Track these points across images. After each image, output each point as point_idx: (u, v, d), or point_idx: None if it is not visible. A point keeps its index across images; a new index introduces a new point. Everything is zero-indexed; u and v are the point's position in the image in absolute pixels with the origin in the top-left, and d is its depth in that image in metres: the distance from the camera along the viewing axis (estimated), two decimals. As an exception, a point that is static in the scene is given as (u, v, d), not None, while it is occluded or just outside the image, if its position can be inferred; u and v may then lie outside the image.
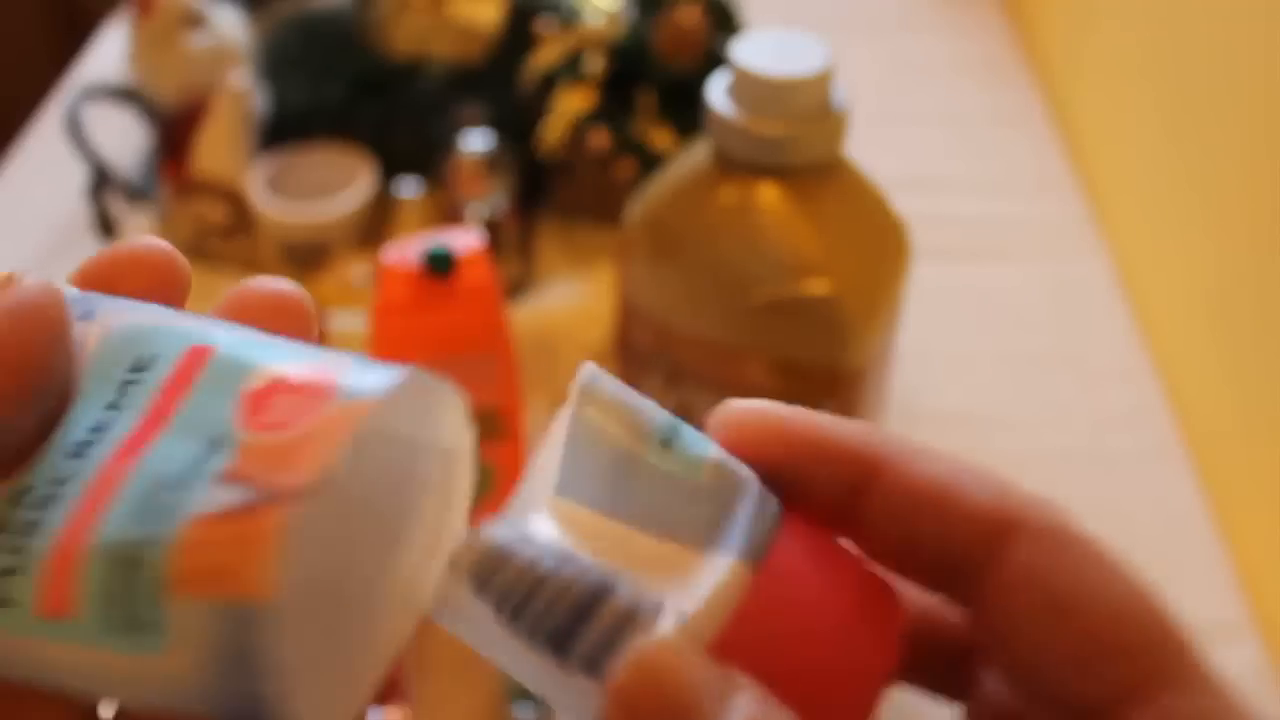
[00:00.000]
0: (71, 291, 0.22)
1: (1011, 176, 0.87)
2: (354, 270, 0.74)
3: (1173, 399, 0.70)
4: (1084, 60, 0.90)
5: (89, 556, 0.18)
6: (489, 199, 0.70)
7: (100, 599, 0.18)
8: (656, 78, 0.73)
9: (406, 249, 0.55)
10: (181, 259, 0.22)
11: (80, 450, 0.20)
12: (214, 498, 0.18)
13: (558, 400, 0.68)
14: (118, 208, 0.76)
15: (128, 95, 0.74)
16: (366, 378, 0.19)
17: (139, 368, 0.20)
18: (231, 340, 0.20)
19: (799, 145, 0.46)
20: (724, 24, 0.74)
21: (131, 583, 0.18)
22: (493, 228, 0.70)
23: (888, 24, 1.03)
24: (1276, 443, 0.60)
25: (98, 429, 0.20)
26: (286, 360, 0.20)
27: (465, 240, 0.56)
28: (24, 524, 0.19)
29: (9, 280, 0.20)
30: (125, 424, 0.20)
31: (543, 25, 0.75)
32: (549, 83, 0.75)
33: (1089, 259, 0.80)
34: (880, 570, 0.21)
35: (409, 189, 0.75)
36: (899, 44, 1.00)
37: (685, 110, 0.71)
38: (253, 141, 0.75)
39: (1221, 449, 0.66)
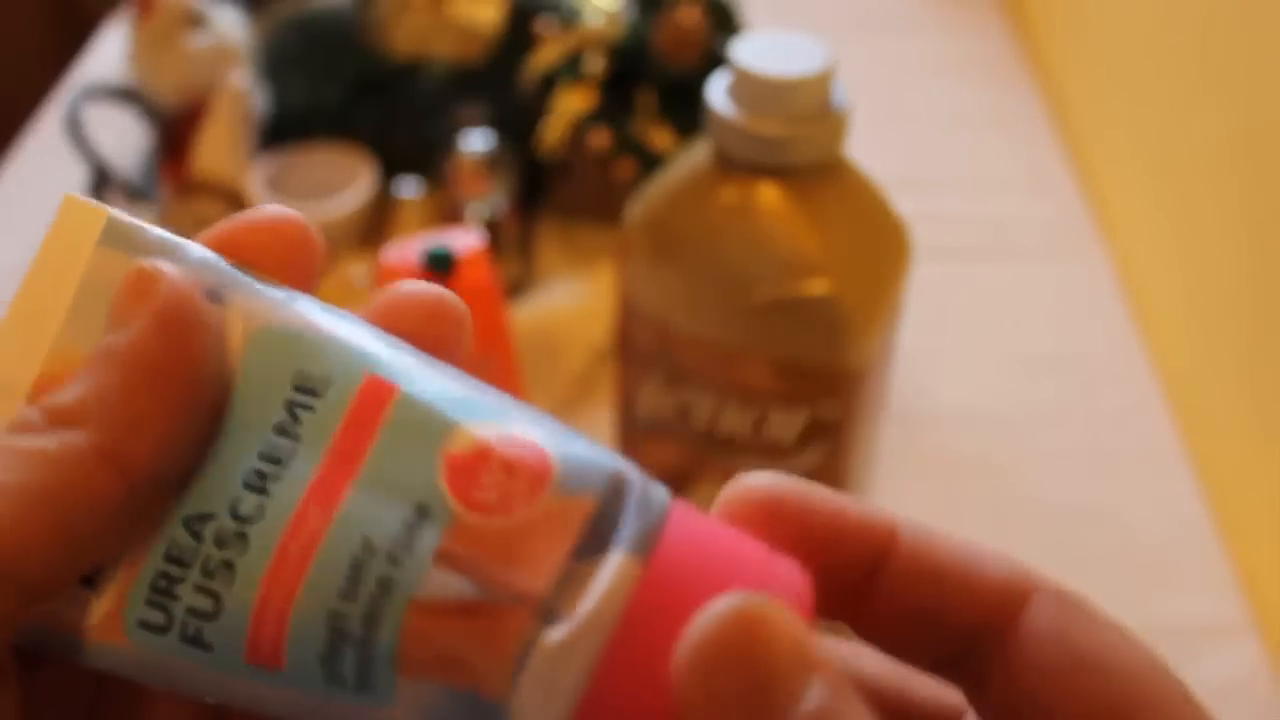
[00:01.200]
0: (193, 251, 0.20)
1: (1011, 176, 0.87)
2: (354, 270, 0.74)
3: (1173, 399, 0.70)
4: (1084, 60, 0.90)
5: (304, 620, 0.18)
6: (489, 199, 0.70)
7: (320, 660, 0.18)
8: (656, 78, 0.73)
9: (406, 249, 0.55)
10: (317, 235, 0.21)
11: (260, 484, 0.19)
12: (439, 583, 0.18)
13: (558, 400, 0.68)
14: (118, 208, 0.76)
15: (128, 95, 0.74)
16: (577, 459, 0.19)
17: (307, 389, 0.19)
18: (409, 374, 0.19)
19: (799, 145, 0.46)
20: (724, 24, 0.74)
21: (357, 654, 0.18)
22: (493, 228, 0.70)
23: (888, 24, 1.03)
24: (1276, 443, 0.60)
25: (273, 459, 0.19)
26: (482, 418, 0.19)
27: (465, 240, 0.56)
28: (217, 564, 0.19)
29: (152, 279, 0.19)
30: (306, 461, 0.19)
31: (543, 25, 0.75)
32: (549, 83, 0.75)
33: (1089, 259, 0.80)
34: (785, 553, 0.20)
35: (409, 189, 0.75)
36: (899, 44, 1.00)
37: (685, 110, 0.71)
38: (253, 141, 0.75)
39: (1221, 449, 0.66)
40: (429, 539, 0.18)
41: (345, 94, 0.77)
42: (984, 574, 0.20)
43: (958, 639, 0.20)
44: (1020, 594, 0.19)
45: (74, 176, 0.76)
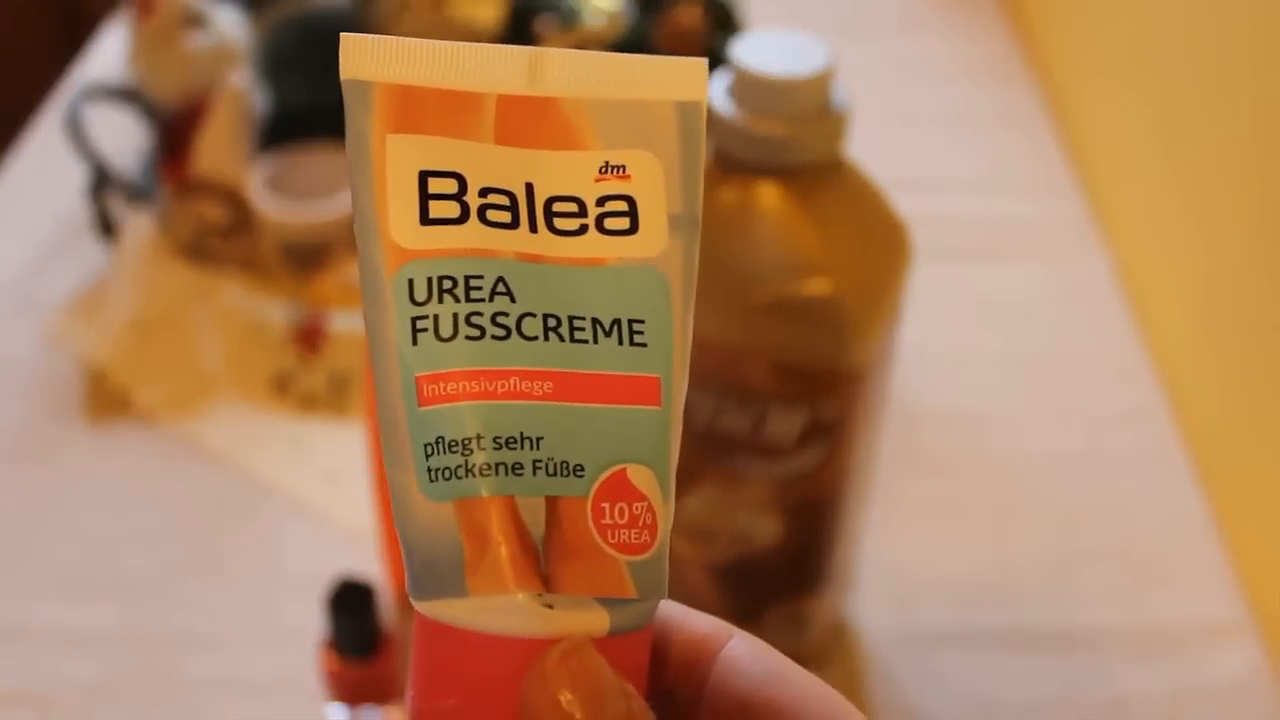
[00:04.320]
0: None
1: (1011, 176, 0.87)
2: (354, 270, 0.74)
3: (1172, 399, 0.70)
4: (1084, 60, 0.90)
5: None
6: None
7: None
8: (656, 78, 0.73)
9: (407, 249, 0.54)
10: None
11: None
12: None
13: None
14: (118, 208, 0.76)
15: (128, 95, 0.74)
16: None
17: None
18: None
19: (799, 145, 0.46)
20: (724, 24, 0.74)
21: None
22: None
23: (888, 24, 1.03)
24: (1276, 443, 0.60)
25: None
26: None
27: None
28: None
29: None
30: None
31: (543, 25, 0.75)
32: (549, 83, 0.75)
33: (1089, 259, 0.80)
34: None
35: (409, 189, 0.75)
36: (899, 44, 1.00)
37: (685, 110, 0.71)
38: (253, 141, 0.75)
39: (1221, 449, 0.66)
40: None
41: (345, 94, 0.77)
42: (691, 621, 0.25)
43: (671, 674, 0.24)
44: (722, 634, 0.24)
45: (74, 176, 0.76)
